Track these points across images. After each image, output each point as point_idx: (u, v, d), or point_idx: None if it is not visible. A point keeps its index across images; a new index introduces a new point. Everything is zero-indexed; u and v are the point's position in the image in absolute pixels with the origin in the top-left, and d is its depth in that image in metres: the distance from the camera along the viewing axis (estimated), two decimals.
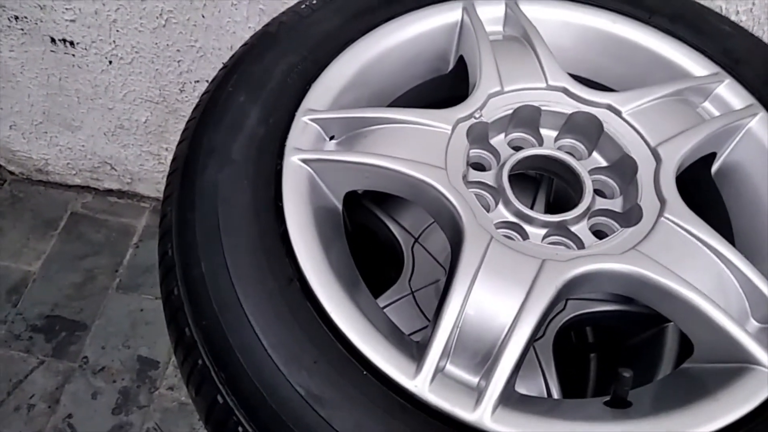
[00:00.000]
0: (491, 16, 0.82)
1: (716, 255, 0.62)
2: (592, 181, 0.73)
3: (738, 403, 0.54)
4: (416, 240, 0.93)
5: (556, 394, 0.79)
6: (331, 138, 0.71)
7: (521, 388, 0.81)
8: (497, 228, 0.68)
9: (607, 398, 0.59)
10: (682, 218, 0.64)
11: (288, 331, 0.56)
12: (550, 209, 0.94)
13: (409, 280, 0.91)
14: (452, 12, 0.81)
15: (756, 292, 0.61)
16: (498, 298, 0.59)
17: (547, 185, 0.95)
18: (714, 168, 0.76)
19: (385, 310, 0.87)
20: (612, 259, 0.61)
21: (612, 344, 0.91)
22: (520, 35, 0.80)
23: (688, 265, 0.61)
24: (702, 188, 0.77)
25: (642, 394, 0.60)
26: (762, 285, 0.61)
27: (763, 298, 0.60)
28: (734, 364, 0.58)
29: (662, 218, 0.64)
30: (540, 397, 0.63)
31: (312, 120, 0.70)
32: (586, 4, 0.82)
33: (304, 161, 0.67)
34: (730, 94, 0.76)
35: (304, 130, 0.69)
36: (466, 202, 0.64)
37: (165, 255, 0.63)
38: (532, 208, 0.85)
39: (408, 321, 0.87)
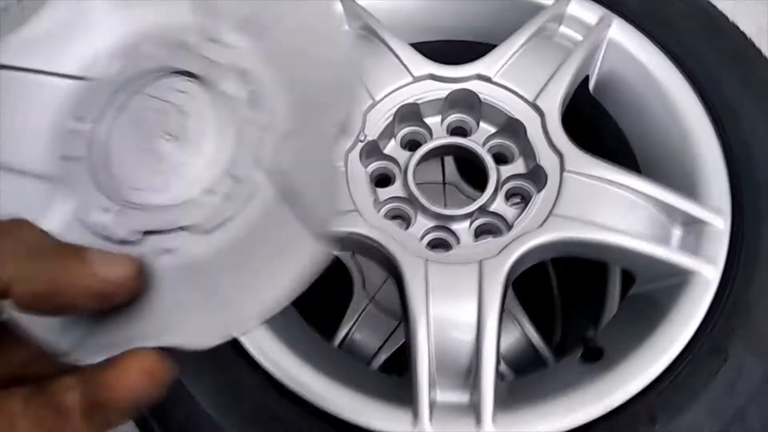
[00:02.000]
0: None
1: (622, 188, 0.65)
2: (490, 148, 0.75)
3: (685, 320, 0.60)
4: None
5: (537, 338, 0.85)
6: None
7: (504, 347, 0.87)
8: (426, 240, 0.70)
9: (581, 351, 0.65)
10: (582, 166, 0.67)
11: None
12: (469, 174, 0.97)
13: (363, 287, 0.94)
14: None
15: (666, 205, 0.65)
16: (456, 314, 0.63)
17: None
18: (591, 86, 0.79)
19: (355, 328, 0.91)
20: (536, 234, 0.64)
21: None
22: (368, 31, 0.78)
23: (602, 209, 0.65)
24: (585, 107, 0.80)
25: (610, 335, 0.66)
26: (667, 197, 0.65)
27: (673, 208, 0.65)
28: (674, 279, 0.64)
29: (565, 173, 0.67)
30: (523, 377, 0.68)
31: None
32: None
33: None
34: (581, 9, 0.76)
35: None
36: (389, 235, 0.65)
37: None
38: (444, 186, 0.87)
39: (381, 328, 0.90)
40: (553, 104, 0.70)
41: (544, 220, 0.65)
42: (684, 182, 0.68)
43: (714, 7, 0.78)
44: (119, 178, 0.33)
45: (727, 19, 0.77)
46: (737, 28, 0.75)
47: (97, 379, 0.27)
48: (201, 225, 0.32)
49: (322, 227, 0.31)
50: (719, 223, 0.64)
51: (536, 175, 0.70)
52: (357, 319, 0.91)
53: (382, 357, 0.89)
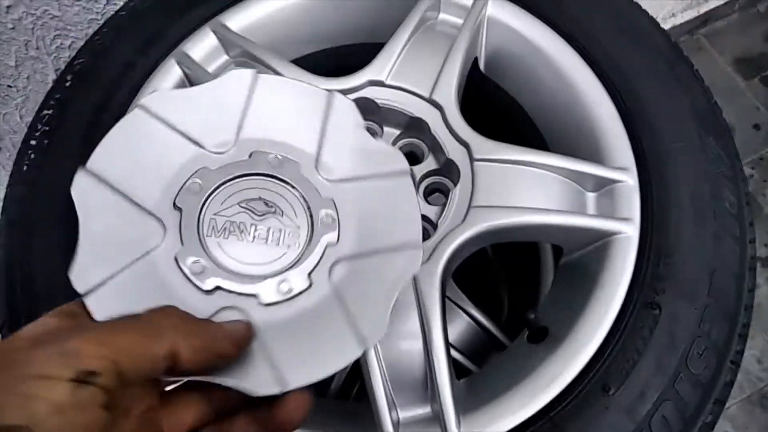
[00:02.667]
0: (207, 52, 0.76)
1: (531, 166, 0.66)
2: (400, 149, 0.74)
3: (616, 282, 0.62)
4: None
5: (485, 322, 0.86)
6: None
7: (451, 330, 0.88)
8: None
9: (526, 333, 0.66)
10: (489, 152, 0.67)
11: None
12: None
13: None
14: (169, 75, 0.74)
15: (575, 172, 0.67)
16: (400, 328, 0.62)
17: None
18: (481, 66, 0.79)
19: None
20: (460, 230, 0.64)
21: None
22: (248, 57, 0.75)
23: (517, 191, 0.66)
24: (481, 88, 0.80)
25: (549, 310, 0.67)
26: (575, 164, 0.66)
27: (583, 173, 0.67)
28: (598, 242, 0.66)
29: (475, 163, 0.67)
30: (478, 372, 0.68)
31: None
32: None
33: None
34: None
35: None
36: None
37: None
38: None
39: None
40: (449, 96, 0.70)
41: (466, 214, 0.65)
42: (588, 147, 0.69)
43: None
44: (215, 241, 0.40)
45: None
46: None
47: (273, 417, 0.37)
48: (266, 298, 0.40)
49: (368, 337, 0.39)
50: (628, 180, 0.66)
51: (449, 169, 0.70)
52: None
53: (342, 377, 0.88)
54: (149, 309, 0.35)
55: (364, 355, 0.60)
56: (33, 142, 0.71)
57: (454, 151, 0.69)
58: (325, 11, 0.79)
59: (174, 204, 0.41)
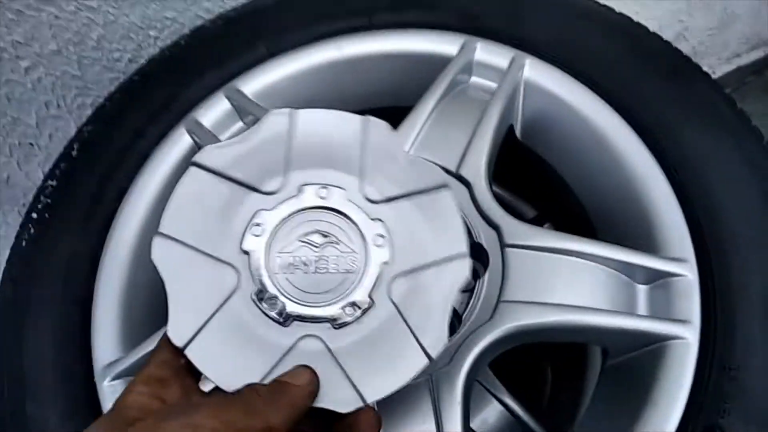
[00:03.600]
0: (219, 119, 0.71)
1: (571, 255, 0.58)
2: None
3: (672, 398, 0.53)
4: None
5: (521, 413, 0.76)
6: None
7: (481, 419, 0.79)
8: None
9: None
10: (522, 238, 0.59)
11: None
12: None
13: None
14: (177, 145, 0.69)
15: (624, 263, 0.58)
16: None
17: None
18: (518, 133, 0.71)
19: None
20: (486, 329, 0.56)
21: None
22: None
23: (554, 284, 0.58)
24: (518, 155, 0.72)
25: (590, 426, 0.58)
26: (623, 254, 0.58)
27: (633, 265, 0.58)
28: (651, 346, 0.56)
29: (506, 250, 0.59)
30: None
31: None
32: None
33: None
34: (489, 56, 0.69)
35: None
36: None
37: None
38: None
39: None
40: (477, 171, 0.62)
41: (494, 310, 0.57)
42: (639, 232, 0.60)
43: (631, 20, 0.71)
44: (283, 277, 0.44)
45: (648, 30, 0.70)
46: (663, 40, 0.68)
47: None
48: (336, 322, 0.43)
49: (431, 347, 0.42)
50: (687, 274, 0.56)
51: (477, 253, 0.62)
52: None
53: None
54: (244, 387, 0.41)
55: None
56: (34, 215, 0.68)
57: (482, 233, 0.61)
58: (347, 74, 0.73)
59: (241, 248, 0.44)
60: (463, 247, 0.44)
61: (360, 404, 0.42)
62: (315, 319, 0.43)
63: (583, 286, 0.58)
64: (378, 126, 0.48)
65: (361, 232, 0.45)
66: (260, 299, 0.43)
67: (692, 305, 0.55)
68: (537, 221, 0.90)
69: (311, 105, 0.74)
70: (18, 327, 0.63)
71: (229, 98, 0.71)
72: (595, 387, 0.61)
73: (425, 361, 0.42)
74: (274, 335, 0.43)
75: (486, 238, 0.61)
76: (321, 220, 0.45)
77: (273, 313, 0.43)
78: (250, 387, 0.41)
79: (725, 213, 0.57)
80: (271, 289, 0.44)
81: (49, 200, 0.68)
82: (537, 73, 0.68)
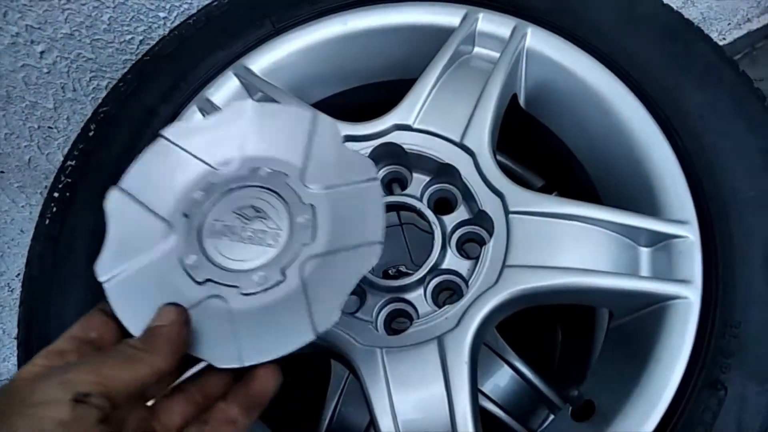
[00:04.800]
0: (229, 97, 0.72)
1: (573, 220, 0.59)
2: (430, 197, 0.69)
3: (674, 356, 0.54)
4: None
5: (531, 376, 0.78)
6: None
7: (493, 383, 0.81)
8: (382, 317, 0.64)
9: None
10: (526, 204, 0.60)
11: None
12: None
13: None
14: None
15: (626, 227, 0.59)
16: (422, 401, 0.57)
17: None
18: (522, 102, 0.72)
19: (340, 403, 0.85)
20: (492, 293, 0.58)
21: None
22: (270, 101, 0.71)
23: (558, 248, 0.59)
24: (522, 124, 0.73)
25: (597, 384, 0.60)
26: (625, 218, 0.59)
27: (635, 228, 0.59)
28: (653, 306, 0.58)
29: (510, 216, 0.61)
30: None
31: None
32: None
33: None
34: (491, 26, 0.70)
35: None
36: (338, 328, 0.59)
37: None
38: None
39: None
40: (481, 140, 0.64)
41: (499, 274, 0.59)
42: (642, 196, 0.61)
43: None
44: (211, 242, 0.48)
45: None
46: (662, 3, 0.68)
47: (247, 390, 0.44)
48: (245, 289, 0.46)
49: (320, 324, 0.44)
50: (688, 235, 0.57)
51: (482, 220, 0.64)
52: (341, 393, 0.85)
53: None
54: (120, 342, 0.42)
55: (378, 426, 0.56)
56: (56, 194, 0.70)
57: (487, 201, 0.63)
58: (352, 48, 0.74)
59: (182, 212, 0.49)
60: (379, 235, 0.47)
61: (235, 364, 0.44)
62: (227, 283, 0.46)
63: (587, 250, 0.59)
64: (325, 122, 0.52)
65: (290, 212, 0.48)
66: (184, 258, 0.47)
67: (694, 266, 0.57)
68: (545, 191, 0.91)
69: (318, 80, 0.76)
70: (45, 300, 0.66)
71: (237, 76, 0.72)
72: (601, 347, 0.63)
73: (311, 335, 0.44)
74: (187, 289, 0.46)
75: (490, 205, 0.62)
76: (258, 198, 0.49)
77: (191, 272, 0.46)
78: (123, 341, 0.42)
79: (726, 174, 0.58)
80: (197, 250, 0.47)
81: (69, 179, 0.70)
82: (539, 41, 0.68)
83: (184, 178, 0.50)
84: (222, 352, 0.45)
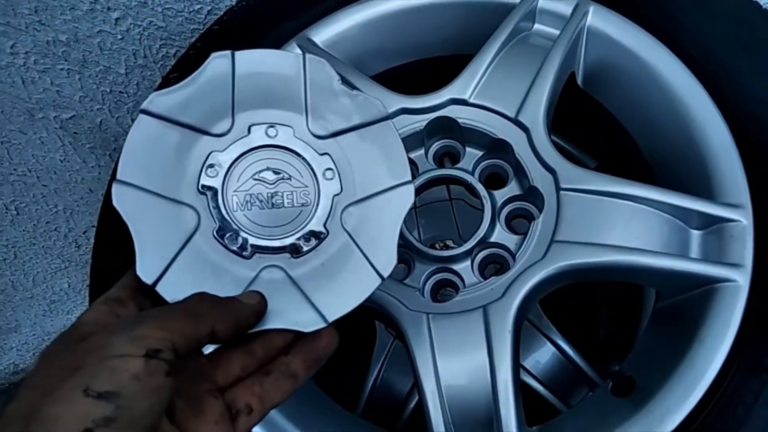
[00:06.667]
0: None
1: (625, 199, 0.60)
2: (482, 172, 0.70)
3: (718, 338, 0.55)
4: None
5: (573, 354, 0.80)
6: None
7: (535, 359, 0.83)
8: (429, 285, 0.66)
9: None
10: (577, 182, 0.61)
11: None
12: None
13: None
14: None
15: (678, 208, 0.59)
16: (466, 367, 0.59)
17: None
18: (579, 81, 0.72)
19: (384, 368, 0.88)
20: (539, 267, 0.59)
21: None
22: None
23: (607, 227, 0.60)
24: (579, 103, 0.73)
25: (639, 361, 0.61)
26: (677, 199, 0.59)
27: (687, 210, 0.59)
28: (701, 288, 0.58)
29: (562, 193, 0.61)
30: (554, 423, 0.63)
31: None
32: None
33: None
34: (553, 3, 0.70)
35: None
36: (386, 292, 0.62)
37: None
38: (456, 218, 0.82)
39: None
40: (536, 117, 0.64)
41: (547, 249, 0.60)
42: (697, 178, 0.61)
43: None
44: (242, 214, 0.46)
45: None
46: None
47: (314, 348, 0.46)
48: (296, 253, 0.46)
49: (383, 268, 0.46)
50: (742, 219, 0.57)
51: (533, 196, 0.65)
52: (385, 359, 0.89)
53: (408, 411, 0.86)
54: (190, 296, 0.42)
55: (423, 391, 0.58)
56: None
57: (539, 177, 0.64)
58: (414, 22, 0.76)
59: (198, 189, 0.46)
60: (407, 175, 0.47)
61: (322, 324, 0.44)
62: (275, 249, 0.46)
63: (637, 230, 0.59)
64: (317, 63, 0.49)
65: (310, 167, 0.47)
66: (222, 236, 0.45)
67: (745, 250, 0.57)
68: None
69: (379, 53, 0.78)
70: (119, 262, 0.70)
71: (300, 47, 0.75)
72: (645, 328, 0.63)
73: (378, 280, 0.45)
74: (237, 268, 0.45)
75: (542, 181, 0.63)
76: (272, 158, 0.47)
77: (235, 248, 0.45)
78: (197, 294, 0.42)
79: None
80: (231, 226, 0.46)
81: None
82: (600, 19, 0.68)
83: (185, 153, 0.46)
84: (303, 317, 0.45)
